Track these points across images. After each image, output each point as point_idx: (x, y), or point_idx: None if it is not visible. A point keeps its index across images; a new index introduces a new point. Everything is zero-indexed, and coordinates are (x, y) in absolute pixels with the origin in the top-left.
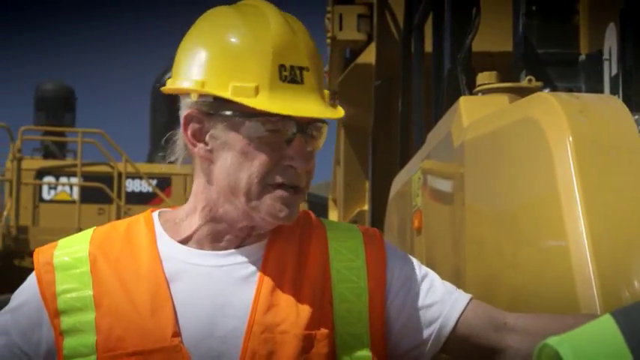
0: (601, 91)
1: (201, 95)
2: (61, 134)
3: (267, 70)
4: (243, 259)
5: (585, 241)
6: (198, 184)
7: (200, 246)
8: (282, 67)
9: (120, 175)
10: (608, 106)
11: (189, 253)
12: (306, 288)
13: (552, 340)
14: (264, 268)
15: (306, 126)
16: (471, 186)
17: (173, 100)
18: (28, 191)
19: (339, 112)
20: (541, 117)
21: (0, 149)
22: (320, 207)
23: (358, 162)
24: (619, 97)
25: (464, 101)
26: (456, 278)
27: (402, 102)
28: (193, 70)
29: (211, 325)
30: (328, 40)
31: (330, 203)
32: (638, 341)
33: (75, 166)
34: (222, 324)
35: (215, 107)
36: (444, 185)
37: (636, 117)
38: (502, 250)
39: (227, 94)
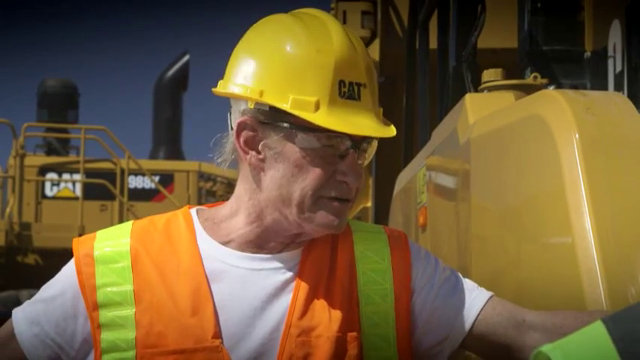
0: (606, 87)
1: (258, 104)
2: (64, 131)
3: (328, 85)
4: (281, 264)
5: (592, 239)
6: (244, 189)
7: (240, 249)
8: (341, 82)
9: (122, 171)
10: (615, 103)
11: (229, 254)
12: (337, 291)
13: (546, 348)
14: (300, 274)
15: (360, 142)
16: (477, 183)
17: (175, 97)
18: (30, 188)
19: (392, 130)
20: (548, 114)
21: (3, 146)
22: None
23: None
24: (624, 93)
25: (469, 98)
26: (462, 275)
27: (407, 99)
28: (250, 76)
29: (250, 327)
30: None
31: None
32: (627, 346)
33: (78, 162)
34: (260, 326)
35: (271, 117)
36: (450, 182)
37: None
38: (508, 247)
39: (286, 106)
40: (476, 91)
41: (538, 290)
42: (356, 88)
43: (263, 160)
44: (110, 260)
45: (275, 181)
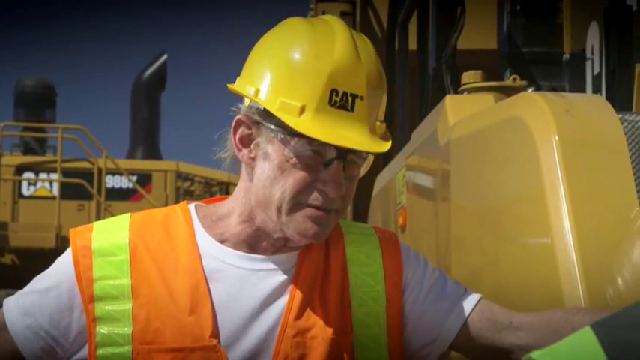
0: (584, 89)
1: (253, 102)
2: (41, 130)
3: (318, 91)
4: (278, 266)
5: (571, 240)
6: (240, 188)
7: (235, 248)
8: (334, 91)
9: (100, 171)
10: (594, 105)
11: (227, 253)
12: (331, 293)
13: (535, 354)
14: (296, 276)
15: (347, 153)
16: (456, 184)
17: (153, 97)
18: (7, 187)
19: (385, 146)
20: (527, 116)
21: None
22: None
23: None
24: (602, 95)
25: (449, 100)
26: None
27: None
28: (254, 76)
29: (246, 327)
30: None
31: None
32: (616, 352)
33: (55, 162)
34: (256, 326)
35: (263, 117)
36: (430, 183)
37: (620, 116)
38: (487, 248)
39: (273, 108)
40: (455, 92)
41: (517, 291)
42: (350, 98)
43: (254, 159)
44: (108, 253)
45: (260, 180)
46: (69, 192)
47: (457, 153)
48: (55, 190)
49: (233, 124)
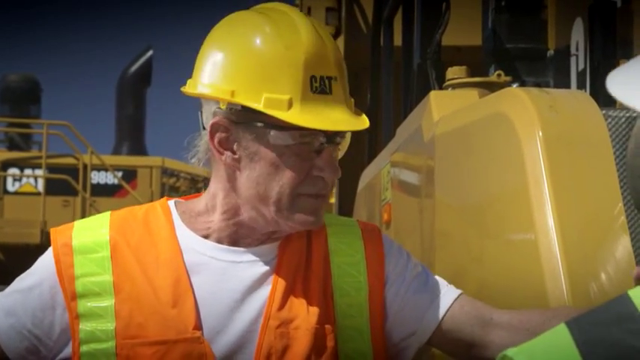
0: (568, 85)
1: (230, 104)
2: (26, 126)
3: (299, 81)
4: (259, 257)
5: (554, 236)
6: (219, 188)
7: (218, 242)
8: (312, 78)
9: (85, 167)
10: (578, 101)
11: (208, 246)
12: (313, 284)
13: (511, 352)
14: (278, 267)
15: (334, 136)
16: (441, 180)
17: (139, 92)
18: None
19: (365, 121)
20: (511, 112)
21: None
22: None
23: None
24: (586, 91)
25: (434, 96)
26: None
27: (371, 95)
28: (220, 76)
29: (229, 319)
30: None
31: None
32: (590, 349)
33: (40, 158)
34: (239, 319)
35: (244, 117)
36: (414, 179)
37: (604, 112)
38: (471, 244)
39: (259, 105)
40: (440, 88)
41: (501, 287)
42: (327, 81)
43: (238, 160)
44: (89, 250)
45: (251, 180)
46: (54, 188)
47: (441, 149)
48: (40, 186)
49: (209, 129)
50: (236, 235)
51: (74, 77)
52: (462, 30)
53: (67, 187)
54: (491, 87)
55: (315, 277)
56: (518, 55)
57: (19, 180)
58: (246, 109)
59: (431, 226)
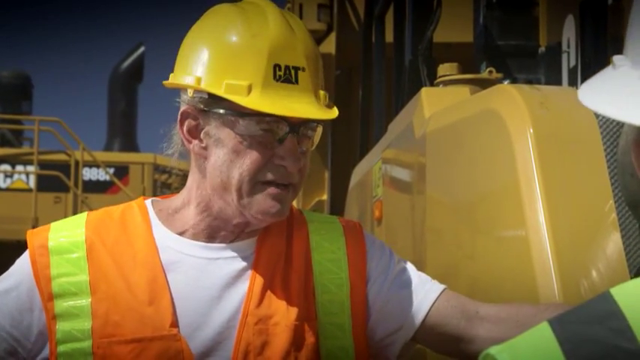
0: (560, 82)
1: (197, 92)
2: (18, 122)
3: (262, 68)
4: (237, 253)
5: (545, 233)
6: (193, 180)
7: (195, 238)
8: (276, 66)
9: (77, 163)
10: (569, 98)
11: (185, 244)
12: (293, 280)
13: (494, 350)
14: (256, 262)
15: (299, 126)
16: (432, 177)
17: (131, 88)
18: None
19: (333, 112)
20: (502, 109)
21: None
22: None
23: (317, 151)
24: (577, 88)
25: (425, 92)
26: (417, 268)
27: (363, 92)
28: (192, 66)
29: (207, 316)
30: None
31: None
32: (573, 347)
33: (31, 154)
34: (217, 315)
35: (209, 104)
36: (406, 176)
37: None
38: (463, 241)
39: (220, 91)
40: (432, 85)
41: (492, 283)
42: (293, 71)
43: (205, 148)
44: (65, 251)
45: (216, 167)
46: (45, 184)
47: (433, 145)
48: (32, 183)
49: (179, 117)
50: (211, 229)
51: (66, 74)
52: (454, 27)
53: (59, 184)
54: (483, 84)
55: (295, 273)
56: (510, 51)
57: (11, 176)
58: (211, 97)
59: (422, 223)
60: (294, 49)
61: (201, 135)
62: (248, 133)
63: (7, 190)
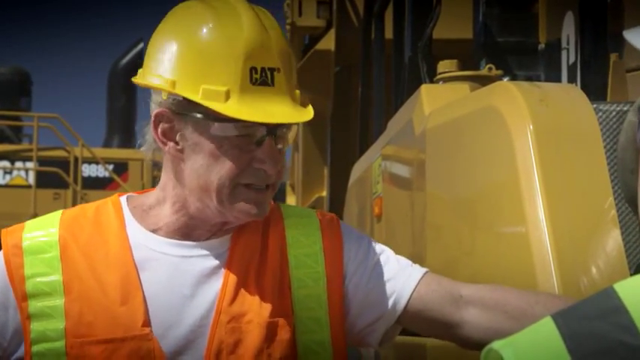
0: (559, 79)
1: (170, 94)
2: (17, 118)
3: (239, 73)
4: (211, 251)
5: (545, 229)
6: (168, 179)
7: (169, 236)
8: (253, 69)
9: (76, 159)
10: (568, 95)
11: (158, 242)
12: (268, 277)
13: (497, 345)
14: (230, 260)
15: (276, 128)
16: (432, 173)
17: (130, 85)
18: None
19: (309, 113)
20: (502, 106)
21: None
22: (278, 192)
23: (317, 148)
24: (577, 85)
25: (425, 89)
26: (417, 264)
27: (362, 89)
28: (165, 67)
29: (180, 314)
30: (287, 27)
31: (288, 189)
32: (576, 343)
33: (30, 150)
34: (190, 314)
35: (185, 108)
36: (405, 172)
37: (595, 106)
38: (463, 237)
39: (197, 97)
40: (431, 81)
41: (492, 280)
42: (269, 73)
43: (181, 151)
44: (39, 250)
45: (194, 171)
46: (45, 180)
47: (432, 142)
48: (31, 179)
49: (152, 118)
50: (187, 228)
51: (65, 70)
52: (453, 23)
53: (58, 180)
54: (482, 81)
55: (269, 269)
56: (509, 48)
57: (10, 173)
58: (187, 101)
59: (422, 220)
60: (269, 49)
61: (177, 137)
62: (225, 137)
63: (7, 186)
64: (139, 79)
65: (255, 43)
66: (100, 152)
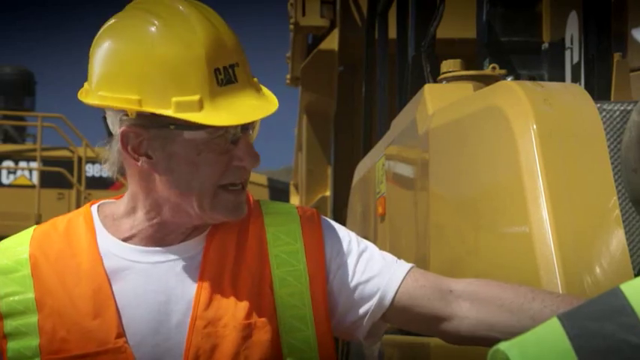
0: (563, 78)
1: (138, 112)
2: (21, 118)
3: (205, 78)
4: (184, 254)
5: (549, 229)
6: (138, 187)
7: (142, 244)
8: (216, 70)
9: (80, 159)
10: (572, 94)
11: (129, 250)
12: (245, 277)
13: (503, 345)
14: (204, 262)
15: (248, 125)
16: (435, 173)
17: None
18: None
19: (274, 100)
20: (506, 105)
21: None
22: (281, 192)
23: (320, 148)
24: (581, 84)
25: (428, 89)
26: (421, 264)
27: (366, 89)
28: (123, 86)
29: (155, 322)
30: (291, 26)
31: (292, 189)
32: (583, 343)
33: (34, 150)
34: (165, 321)
35: (155, 121)
36: (409, 172)
37: (598, 105)
38: (466, 237)
39: (170, 111)
40: (435, 81)
41: (496, 279)
42: (230, 70)
43: (155, 164)
44: (10, 270)
45: (171, 182)
46: (49, 180)
47: (436, 142)
48: (35, 179)
49: (120, 137)
50: (160, 234)
51: (68, 69)
52: (457, 23)
53: (62, 180)
54: (486, 80)
55: (246, 269)
56: (513, 48)
57: (14, 172)
58: (155, 114)
59: (426, 219)
60: (225, 46)
61: (148, 151)
62: (203, 143)
63: (11, 186)
64: (88, 99)
65: (213, 44)
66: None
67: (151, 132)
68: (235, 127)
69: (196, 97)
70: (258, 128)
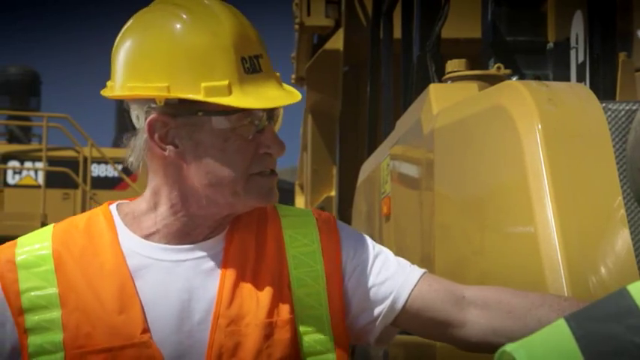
0: (568, 78)
1: (166, 99)
2: (26, 118)
3: (233, 65)
4: (205, 252)
5: (554, 228)
6: (162, 183)
7: (164, 241)
8: (243, 59)
9: (85, 159)
10: (577, 94)
11: (152, 248)
12: (265, 277)
13: (510, 347)
14: (225, 260)
15: (272, 112)
16: (440, 173)
17: None
18: None
19: (295, 92)
20: (511, 105)
21: None
22: (286, 192)
23: (325, 148)
24: (586, 84)
25: (433, 88)
26: (425, 264)
27: (371, 88)
28: (151, 74)
29: (178, 320)
30: (296, 26)
31: (297, 189)
32: (589, 344)
33: (40, 150)
34: (188, 318)
35: (183, 109)
36: (414, 172)
37: (604, 105)
38: (471, 237)
39: (199, 95)
40: (440, 81)
41: (501, 280)
42: (255, 60)
43: (183, 153)
44: (33, 265)
45: (201, 170)
46: (54, 180)
47: (441, 142)
48: (41, 179)
49: (147, 127)
50: (186, 228)
51: (74, 70)
52: (462, 23)
53: (68, 180)
54: (491, 80)
55: (266, 269)
56: (518, 47)
57: (20, 173)
58: (183, 102)
59: (430, 219)
60: (249, 37)
61: (175, 140)
62: (230, 130)
63: (16, 186)
64: (114, 93)
65: (238, 34)
66: (110, 152)
67: (179, 120)
68: (261, 114)
69: (225, 82)
70: (281, 120)
